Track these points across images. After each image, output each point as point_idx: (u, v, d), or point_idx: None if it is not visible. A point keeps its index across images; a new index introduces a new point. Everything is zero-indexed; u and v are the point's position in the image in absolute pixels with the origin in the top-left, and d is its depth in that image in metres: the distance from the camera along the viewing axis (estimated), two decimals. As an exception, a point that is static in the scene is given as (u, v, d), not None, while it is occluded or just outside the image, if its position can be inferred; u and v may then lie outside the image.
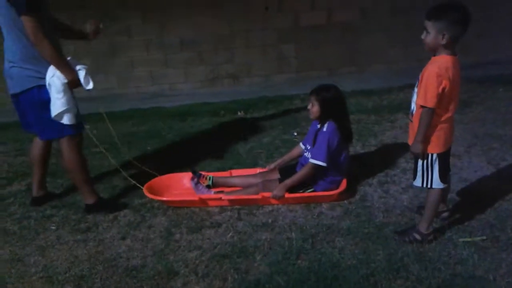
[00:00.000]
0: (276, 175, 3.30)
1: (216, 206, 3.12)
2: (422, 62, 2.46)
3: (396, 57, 7.11)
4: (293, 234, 2.73)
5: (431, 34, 2.32)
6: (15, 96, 2.94)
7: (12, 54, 2.82)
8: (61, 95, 2.82)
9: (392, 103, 5.31)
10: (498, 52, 6.95)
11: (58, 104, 2.84)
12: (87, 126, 4.59)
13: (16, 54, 2.80)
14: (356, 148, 4.04)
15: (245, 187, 3.28)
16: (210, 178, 3.38)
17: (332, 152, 3.05)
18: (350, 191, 3.18)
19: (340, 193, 3.08)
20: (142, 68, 6.99)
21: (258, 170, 3.51)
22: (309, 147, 3.22)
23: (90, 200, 3.15)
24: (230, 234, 2.79)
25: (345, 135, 3.12)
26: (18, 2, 2.64)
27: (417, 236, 2.54)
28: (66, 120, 2.90)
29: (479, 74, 5.91)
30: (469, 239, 2.54)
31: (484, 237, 2.55)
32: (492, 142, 3.91)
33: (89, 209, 3.15)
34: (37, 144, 3.23)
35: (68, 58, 2.92)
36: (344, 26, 7.10)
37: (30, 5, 2.64)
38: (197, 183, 3.30)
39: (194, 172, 3.37)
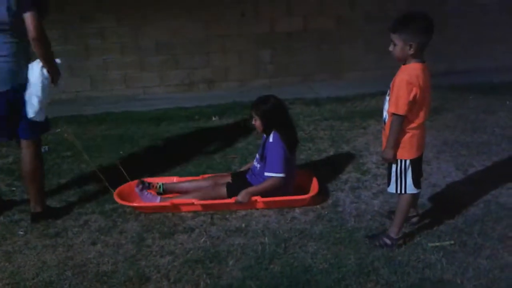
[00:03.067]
0: (227, 179, 3.31)
1: (189, 211, 3.10)
2: (394, 70, 2.51)
3: (370, 65, 7.21)
4: (266, 238, 2.74)
5: (398, 45, 2.38)
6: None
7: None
8: (45, 93, 2.84)
9: (365, 109, 5.39)
10: (469, 61, 7.12)
11: (37, 103, 2.83)
12: (57, 130, 4.53)
13: (6, 49, 2.77)
14: (328, 153, 4.08)
15: (195, 191, 3.26)
16: (160, 185, 3.36)
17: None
18: (322, 196, 3.21)
19: (313, 197, 3.10)
20: (116, 71, 6.90)
21: (204, 177, 3.49)
22: (258, 157, 3.25)
23: (39, 208, 3.05)
24: (203, 239, 2.78)
25: (290, 143, 3.14)
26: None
27: (387, 241, 2.58)
28: (42, 117, 2.89)
29: (450, 82, 6.04)
30: (437, 244, 2.60)
31: (452, 242, 2.61)
32: (461, 148, 4.00)
33: (36, 217, 3.04)
34: None
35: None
36: (320, 33, 7.17)
37: (38, 2, 2.69)
38: (142, 189, 3.27)
39: (142, 182, 3.32)
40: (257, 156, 3.30)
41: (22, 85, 2.83)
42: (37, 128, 2.95)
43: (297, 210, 3.07)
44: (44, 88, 2.83)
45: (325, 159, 3.96)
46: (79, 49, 6.65)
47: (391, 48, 2.42)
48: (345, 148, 4.17)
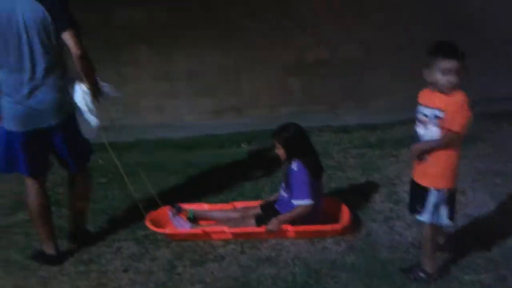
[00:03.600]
0: (256, 211, 3.31)
1: (220, 239, 3.11)
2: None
3: (398, 92, 7.16)
4: (297, 268, 2.71)
5: (460, 74, 2.32)
6: (49, 129, 2.75)
7: (51, 79, 2.71)
8: (91, 108, 2.85)
9: (395, 137, 5.33)
10: (503, 88, 7.00)
11: (92, 119, 2.87)
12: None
13: (52, 77, 2.71)
14: (360, 182, 4.04)
15: (224, 221, 3.28)
16: (190, 211, 3.39)
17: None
18: (354, 226, 3.17)
19: (344, 227, 3.07)
20: (149, 98, 7.06)
21: (234, 204, 3.51)
22: (284, 186, 3.25)
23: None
24: (234, 268, 2.78)
25: (314, 170, 3.14)
26: (62, 18, 2.61)
27: (422, 274, 2.52)
28: (97, 133, 2.95)
29: (483, 110, 5.92)
30: (474, 277, 2.52)
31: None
32: (496, 178, 3.90)
33: (88, 238, 3.17)
34: (35, 191, 2.83)
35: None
36: (347, 61, 7.19)
37: (74, 21, 2.66)
38: (175, 214, 3.31)
39: (175, 207, 3.38)
40: (283, 185, 3.30)
41: (70, 115, 2.81)
42: (85, 153, 3.05)
43: (328, 239, 3.04)
44: (88, 104, 2.81)
45: (356, 187, 3.92)
46: (112, 77, 6.84)
47: (453, 78, 2.32)
48: (377, 177, 4.12)
